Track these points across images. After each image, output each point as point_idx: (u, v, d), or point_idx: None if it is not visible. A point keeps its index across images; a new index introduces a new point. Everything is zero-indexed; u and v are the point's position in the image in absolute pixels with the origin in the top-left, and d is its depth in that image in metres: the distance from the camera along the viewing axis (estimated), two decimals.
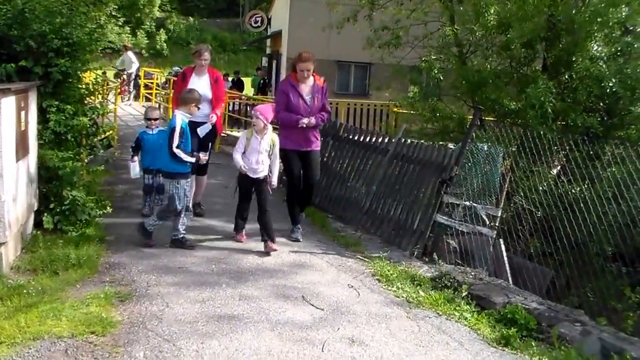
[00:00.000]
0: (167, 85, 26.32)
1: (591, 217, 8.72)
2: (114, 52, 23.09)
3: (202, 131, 9.69)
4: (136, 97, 27.01)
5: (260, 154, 8.60)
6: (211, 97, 9.94)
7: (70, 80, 9.05)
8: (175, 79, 27.30)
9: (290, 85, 9.20)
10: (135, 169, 9.73)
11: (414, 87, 17.52)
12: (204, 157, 8.95)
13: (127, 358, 5.36)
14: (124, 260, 7.91)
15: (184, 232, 8.70)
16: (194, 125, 9.26)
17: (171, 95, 10.69)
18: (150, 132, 9.89)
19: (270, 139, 8.70)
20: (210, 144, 10.14)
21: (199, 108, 8.89)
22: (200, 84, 9.79)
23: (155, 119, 10.02)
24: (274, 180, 8.88)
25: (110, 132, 14.11)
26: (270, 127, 8.71)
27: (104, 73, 21.18)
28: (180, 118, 8.46)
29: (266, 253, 8.53)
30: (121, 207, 10.12)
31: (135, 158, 9.73)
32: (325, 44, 23.47)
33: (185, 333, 5.88)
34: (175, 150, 8.32)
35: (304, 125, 9.09)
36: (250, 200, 8.92)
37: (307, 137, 9.29)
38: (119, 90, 20.95)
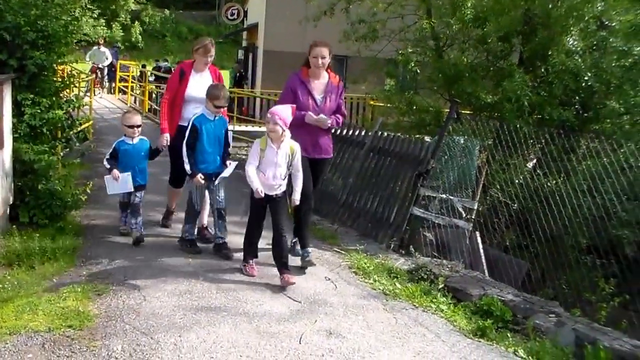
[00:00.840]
0: (142, 79, 26.18)
1: (566, 210, 8.80)
2: (90, 44, 22.88)
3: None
4: (109, 91, 26.89)
5: (278, 167, 7.12)
6: None
7: (45, 73, 9.00)
8: (161, 74, 27.36)
9: (300, 81, 7.85)
10: (112, 184, 8.24)
11: (391, 80, 17.58)
12: (201, 180, 7.84)
13: (104, 352, 5.32)
14: (101, 254, 7.86)
15: (221, 236, 8.06)
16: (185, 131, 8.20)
17: (164, 98, 8.63)
18: (130, 142, 8.37)
19: (289, 147, 7.17)
20: None
21: (221, 109, 7.96)
22: (203, 84, 8.36)
23: (138, 126, 8.39)
24: (297, 198, 7.35)
25: (86, 125, 14.04)
26: (288, 133, 7.13)
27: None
28: (199, 114, 7.85)
29: (282, 287, 7.12)
30: (97, 200, 10.06)
31: (115, 171, 8.13)
32: (301, 36, 23.32)
33: (162, 326, 5.84)
34: (184, 149, 7.75)
35: (314, 122, 7.76)
36: (263, 221, 7.46)
37: (317, 141, 7.90)
38: (94, 83, 20.77)
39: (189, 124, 7.90)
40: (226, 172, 7.99)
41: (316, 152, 7.92)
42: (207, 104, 7.92)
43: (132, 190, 8.27)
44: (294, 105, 7.39)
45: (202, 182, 7.81)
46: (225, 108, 8.25)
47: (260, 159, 7.13)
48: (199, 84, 8.40)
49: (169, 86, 8.71)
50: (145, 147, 8.41)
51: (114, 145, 8.36)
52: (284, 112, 7.06)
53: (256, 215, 7.42)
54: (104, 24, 47.53)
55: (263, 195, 7.07)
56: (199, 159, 7.83)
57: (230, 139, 8.25)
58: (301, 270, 7.71)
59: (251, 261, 7.51)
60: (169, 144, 8.35)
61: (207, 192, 8.20)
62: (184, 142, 7.80)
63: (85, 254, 7.87)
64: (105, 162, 8.28)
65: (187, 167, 7.78)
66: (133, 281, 6.96)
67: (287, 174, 7.27)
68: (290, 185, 7.46)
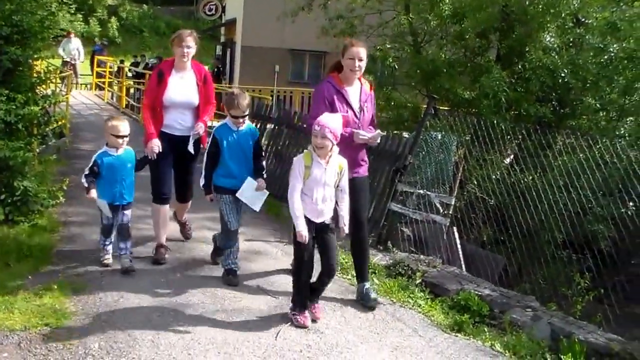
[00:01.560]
0: (119, 74, 26.02)
1: (542, 206, 8.86)
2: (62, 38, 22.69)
3: (191, 146, 7.54)
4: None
5: (327, 187, 6.01)
6: (198, 103, 7.56)
7: (20, 68, 8.92)
8: (141, 71, 27.18)
9: (335, 89, 6.55)
10: (101, 205, 7.18)
11: (369, 76, 17.56)
12: (211, 197, 7.07)
13: (81, 349, 5.29)
14: (78, 251, 7.81)
15: (234, 262, 7.19)
16: (172, 141, 7.48)
17: (144, 103, 7.86)
18: (113, 153, 7.06)
19: (338, 164, 6.06)
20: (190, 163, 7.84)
21: (240, 119, 6.90)
22: (184, 85, 7.46)
23: (124, 136, 7.07)
24: (346, 223, 6.22)
25: (62, 121, 13.96)
26: (336, 147, 6.04)
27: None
28: (222, 123, 7.03)
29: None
30: (74, 197, 9.97)
31: (94, 191, 6.93)
32: (279, 32, 23.45)
33: (140, 323, 5.82)
34: (205, 158, 6.98)
35: (363, 141, 6.56)
36: (313, 259, 6.20)
37: (355, 159, 6.63)
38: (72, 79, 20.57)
39: (185, 135, 7.40)
40: (251, 204, 7.00)
41: (355, 170, 6.61)
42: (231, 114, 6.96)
43: (109, 215, 7.16)
44: (345, 114, 6.41)
45: (212, 201, 7.05)
46: (246, 117, 7.01)
47: (305, 178, 6.00)
48: (180, 85, 7.44)
49: (147, 90, 7.81)
50: (131, 157, 7.19)
51: (94, 158, 7.00)
52: (335, 123, 5.92)
53: (305, 254, 6.09)
54: (81, 19, 47.14)
55: (307, 241, 5.93)
56: (222, 173, 6.95)
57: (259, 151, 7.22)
58: (368, 310, 6.69)
59: (305, 311, 6.21)
60: (160, 150, 7.23)
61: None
62: (206, 153, 7.01)
63: (62, 251, 7.81)
64: (83, 179, 6.97)
65: (202, 181, 7.00)
66: (110, 278, 6.93)
67: (334, 197, 6.15)
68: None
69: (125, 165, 7.12)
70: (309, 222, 6.00)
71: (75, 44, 24.70)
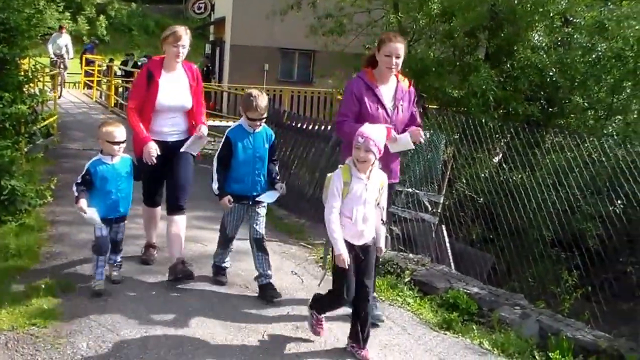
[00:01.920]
0: (108, 73, 25.92)
1: (531, 204, 8.89)
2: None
3: (192, 147, 7.01)
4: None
5: (368, 205, 5.34)
6: (190, 106, 6.96)
7: (7, 67, 8.88)
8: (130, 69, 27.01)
9: (366, 86, 6.06)
10: (91, 216, 6.28)
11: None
12: (229, 204, 6.52)
13: (69, 349, 5.27)
14: (66, 250, 7.75)
15: (265, 273, 6.73)
16: (166, 148, 6.80)
17: (129, 107, 6.95)
18: (108, 161, 6.39)
19: (380, 180, 5.43)
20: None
21: (257, 121, 6.46)
22: (176, 86, 6.85)
23: (121, 142, 6.39)
24: (383, 244, 5.67)
25: (50, 119, 13.90)
26: (377, 161, 5.39)
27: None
28: (236, 125, 6.61)
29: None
30: (62, 196, 9.92)
31: (83, 201, 6.16)
32: (269, 31, 23.40)
33: (128, 322, 5.80)
34: (214, 163, 6.54)
35: (398, 148, 6.05)
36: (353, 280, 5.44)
37: (388, 164, 5.98)
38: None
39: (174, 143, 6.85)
40: (266, 197, 6.69)
41: (388, 175, 5.81)
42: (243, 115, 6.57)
43: (101, 226, 6.39)
44: (390, 126, 5.87)
45: (230, 205, 6.50)
46: (263, 120, 6.54)
47: (343, 196, 5.34)
48: (171, 87, 6.80)
49: (133, 92, 7.04)
50: (128, 165, 6.56)
51: (86, 167, 6.33)
52: (379, 134, 5.32)
53: (346, 282, 5.40)
54: (69, 17, 46.95)
55: (348, 266, 5.23)
56: (232, 178, 6.53)
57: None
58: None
59: (322, 319, 5.84)
60: (158, 152, 6.62)
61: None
62: (216, 155, 6.56)
63: (50, 251, 7.75)
64: (73, 188, 6.26)
65: (215, 185, 6.51)
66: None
67: (375, 216, 5.49)
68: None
69: (120, 175, 6.44)
70: (348, 245, 5.30)
71: (65, 40, 24.48)
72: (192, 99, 6.94)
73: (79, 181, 6.26)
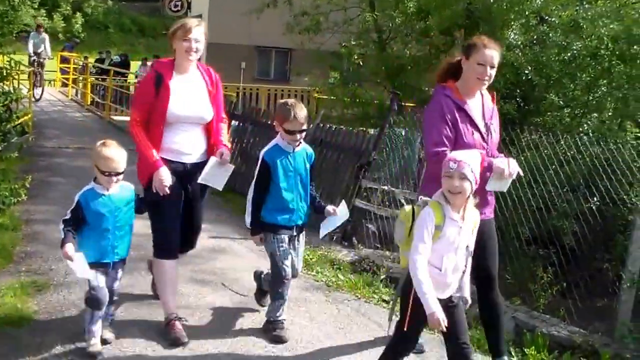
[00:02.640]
0: (84, 70, 25.70)
1: (507, 202, 8.91)
2: (29, 35, 22.25)
3: (214, 178, 5.48)
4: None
5: (459, 252, 4.37)
6: (210, 118, 5.57)
7: None
8: (106, 67, 26.77)
9: (454, 104, 4.98)
10: (79, 266, 4.87)
11: (335, 73, 17.61)
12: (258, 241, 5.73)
13: (44, 349, 5.22)
14: (41, 249, 7.70)
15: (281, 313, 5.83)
16: (179, 171, 5.44)
17: (133, 118, 5.48)
18: (104, 192, 5.02)
19: (474, 222, 4.45)
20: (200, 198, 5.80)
21: (297, 134, 5.54)
22: (192, 92, 5.50)
23: (119, 174, 5.01)
24: (469, 294, 4.70)
25: (25, 118, 13.79)
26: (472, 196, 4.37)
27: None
28: (271, 145, 5.69)
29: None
30: (37, 195, 9.88)
31: (70, 246, 4.81)
32: (245, 29, 23.37)
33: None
34: (250, 194, 5.68)
35: (501, 178, 4.88)
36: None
37: (483, 195, 4.95)
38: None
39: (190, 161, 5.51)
40: (329, 225, 5.87)
41: (481, 211, 4.72)
42: (277, 129, 5.67)
43: (95, 282, 5.03)
44: (482, 152, 4.82)
45: (260, 244, 5.74)
46: (303, 134, 5.61)
47: (433, 243, 4.27)
48: (186, 92, 5.45)
49: (138, 100, 5.61)
50: (129, 196, 5.19)
51: (76, 199, 5.00)
52: (474, 160, 4.32)
53: (417, 335, 4.81)
54: (44, 14, 46.58)
55: (444, 323, 4.19)
56: (275, 207, 5.59)
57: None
58: None
59: None
60: (170, 183, 5.25)
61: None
62: (253, 183, 5.63)
63: (25, 250, 7.70)
64: (60, 225, 4.92)
65: (248, 219, 5.68)
66: (74, 276, 6.77)
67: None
68: None
69: (119, 208, 5.08)
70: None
71: (43, 40, 24.19)
72: (211, 108, 5.56)
73: (67, 217, 4.93)
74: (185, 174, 5.47)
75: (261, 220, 5.63)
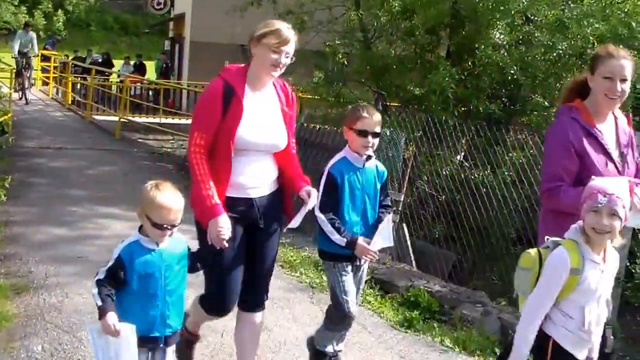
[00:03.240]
0: (65, 69, 25.43)
1: (492, 202, 8.91)
2: (10, 33, 21.94)
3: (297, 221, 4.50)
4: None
5: (601, 301, 3.64)
6: (285, 146, 4.48)
7: None
8: (86, 65, 26.62)
9: (582, 129, 4.18)
10: (126, 344, 3.58)
11: (319, 73, 17.57)
12: (373, 255, 4.69)
13: (24, 352, 5.15)
14: (20, 251, 7.61)
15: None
16: (244, 210, 4.32)
17: (194, 143, 4.19)
18: (153, 247, 3.78)
19: (615, 264, 3.69)
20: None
21: (369, 137, 4.63)
22: (267, 114, 4.37)
23: (175, 226, 3.77)
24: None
25: (4, 117, 13.67)
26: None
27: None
28: (338, 158, 4.82)
29: None
30: (17, 196, 9.78)
31: (112, 315, 3.55)
32: (229, 27, 23.15)
33: (86, 324, 5.54)
34: (318, 214, 4.62)
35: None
36: None
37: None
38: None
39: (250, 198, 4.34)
40: (379, 240, 4.72)
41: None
42: (346, 136, 4.79)
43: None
44: (631, 179, 3.98)
45: (372, 254, 4.67)
46: (376, 140, 4.71)
47: (569, 290, 3.52)
48: (258, 114, 4.29)
49: (200, 119, 4.27)
50: (182, 251, 3.92)
51: (117, 254, 3.73)
52: (624, 191, 3.55)
53: None
54: (24, 12, 46.30)
55: None
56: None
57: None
58: None
59: None
60: (230, 235, 4.10)
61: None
62: (318, 204, 4.55)
63: (4, 252, 7.61)
64: (93, 289, 3.66)
65: (336, 236, 4.55)
66: (55, 278, 6.77)
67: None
68: None
69: (171, 267, 3.82)
70: (570, 358, 3.60)
71: (30, 38, 23.75)
72: (287, 135, 4.47)
73: (101, 276, 3.67)
74: (253, 209, 4.34)
75: (319, 248, 4.86)
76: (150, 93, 24.22)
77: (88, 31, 52.33)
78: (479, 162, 9.97)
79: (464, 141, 11.33)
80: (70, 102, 22.46)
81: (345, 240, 4.54)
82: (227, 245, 4.09)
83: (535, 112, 12.57)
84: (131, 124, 17.74)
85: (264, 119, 4.31)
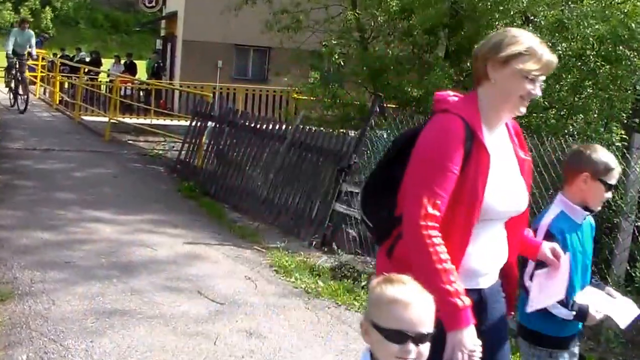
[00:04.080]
0: (52, 68, 25.11)
1: None
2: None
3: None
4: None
5: None
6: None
7: None
8: (75, 64, 26.33)
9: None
10: None
11: (315, 73, 17.47)
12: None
13: None
14: (5, 256, 7.40)
15: None
16: (476, 304, 2.90)
17: (420, 215, 2.75)
18: None
19: None
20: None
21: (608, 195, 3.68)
22: (505, 166, 3.05)
23: (424, 337, 2.27)
24: None
25: None
26: None
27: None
28: (557, 214, 3.67)
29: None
30: (1, 200, 9.63)
31: None
32: (223, 26, 23.03)
33: (73, 332, 5.57)
34: (526, 282, 3.56)
35: None
36: None
37: None
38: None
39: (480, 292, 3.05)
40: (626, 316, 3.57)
41: None
42: (571, 189, 3.70)
43: None
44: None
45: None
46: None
47: None
48: (500, 168, 3.01)
49: (430, 174, 2.84)
50: None
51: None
52: None
53: None
54: (10, 8, 46.01)
55: None
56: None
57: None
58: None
59: None
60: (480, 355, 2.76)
61: None
62: (526, 272, 3.54)
63: None
64: None
65: (562, 310, 3.43)
66: (41, 285, 6.60)
67: None
68: None
69: None
70: None
71: (28, 37, 22.67)
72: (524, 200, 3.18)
73: None
74: (481, 306, 3.02)
75: (534, 330, 3.65)
76: (141, 93, 24.02)
77: (77, 29, 52.11)
78: None
79: None
80: (58, 102, 22.21)
81: (573, 312, 3.49)
82: None
83: (534, 114, 12.45)
84: (121, 125, 17.54)
85: (506, 173, 3.06)
